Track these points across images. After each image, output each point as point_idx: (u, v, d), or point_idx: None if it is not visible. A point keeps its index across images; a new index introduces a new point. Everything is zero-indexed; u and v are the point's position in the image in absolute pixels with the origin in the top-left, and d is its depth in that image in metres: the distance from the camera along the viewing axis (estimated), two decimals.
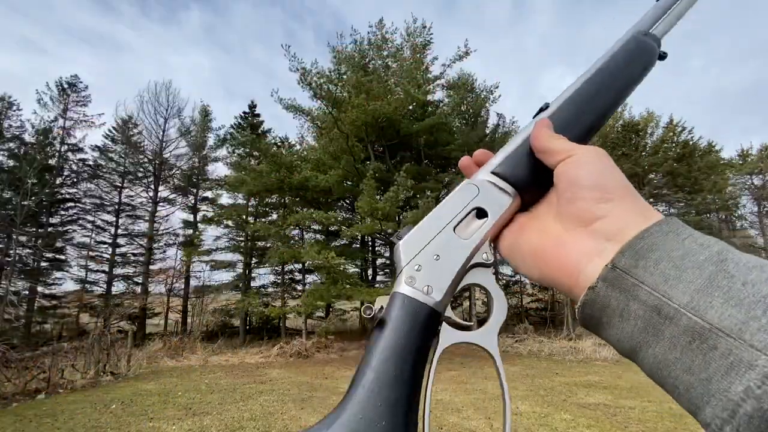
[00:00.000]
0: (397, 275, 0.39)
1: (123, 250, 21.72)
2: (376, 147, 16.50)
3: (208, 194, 23.36)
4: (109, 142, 21.87)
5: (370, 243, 18.99)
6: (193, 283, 22.09)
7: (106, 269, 20.74)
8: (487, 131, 18.75)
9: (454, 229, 0.41)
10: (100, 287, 20.75)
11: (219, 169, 33.05)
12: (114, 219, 21.48)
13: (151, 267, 20.86)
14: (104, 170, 21.55)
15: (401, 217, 13.51)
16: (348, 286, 13.16)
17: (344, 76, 15.04)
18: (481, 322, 0.38)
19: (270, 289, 21.85)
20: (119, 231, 21.53)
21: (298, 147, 20.69)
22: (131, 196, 22.19)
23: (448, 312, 0.39)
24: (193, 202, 22.80)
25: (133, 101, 36.69)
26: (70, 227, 20.90)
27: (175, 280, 21.34)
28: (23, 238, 18.50)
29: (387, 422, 0.31)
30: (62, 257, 20.28)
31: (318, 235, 19.54)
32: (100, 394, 7.69)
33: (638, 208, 0.32)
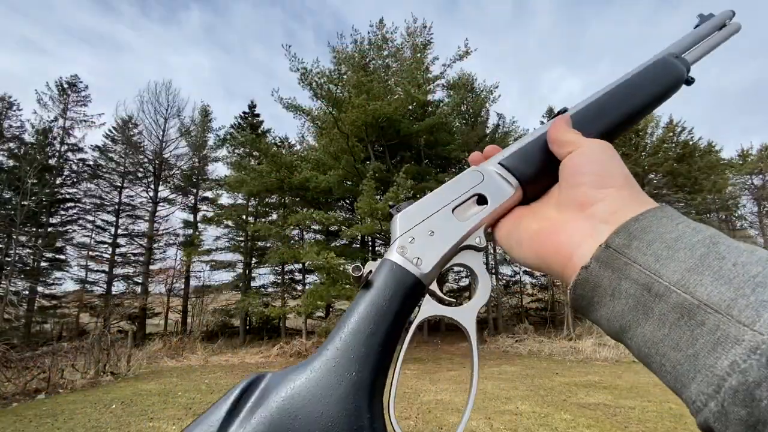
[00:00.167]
0: (390, 244, 0.41)
1: (123, 250, 21.75)
2: (376, 147, 16.51)
3: (208, 194, 23.37)
4: (109, 142, 21.90)
5: (370, 243, 19.00)
6: (193, 283, 22.11)
7: (106, 269, 20.74)
8: (487, 131, 18.77)
9: (452, 210, 0.42)
10: (100, 287, 20.77)
11: (219, 169, 33.11)
12: (114, 219, 21.48)
13: (151, 267, 20.87)
14: (104, 170, 21.56)
15: None
16: (348, 286, 13.16)
17: (344, 76, 15.05)
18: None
19: (270, 289, 21.85)
20: (119, 231, 21.54)
21: (298, 147, 20.73)
22: (131, 196, 22.21)
23: (434, 287, 0.40)
24: (193, 202, 22.80)
25: (133, 101, 36.80)
26: (70, 227, 20.92)
27: (175, 280, 21.35)
28: (23, 238, 18.51)
29: (356, 373, 0.33)
30: (62, 257, 20.30)
31: (318, 235, 19.54)
32: (100, 394, 7.69)
33: (635, 196, 0.33)
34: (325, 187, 14.95)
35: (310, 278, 20.56)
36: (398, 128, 15.29)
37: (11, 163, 18.94)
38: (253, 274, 21.99)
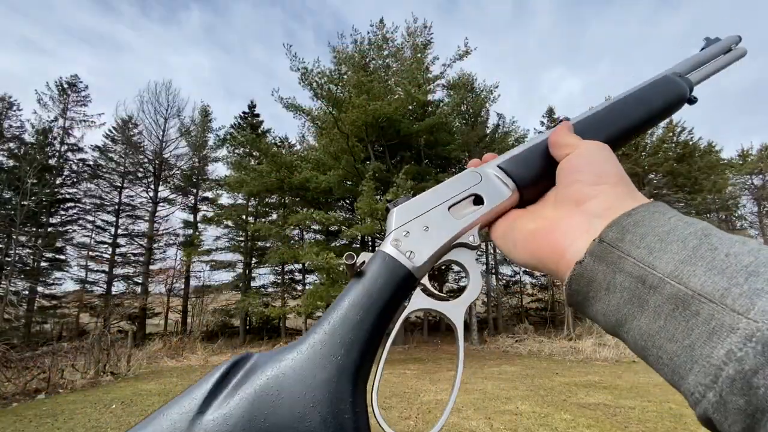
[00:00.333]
0: (385, 237, 0.41)
1: (123, 250, 21.75)
2: (376, 147, 16.50)
3: (208, 194, 23.38)
4: (109, 142, 21.90)
5: (370, 243, 19.01)
6: (193, 283, 22.11)
7: (106, 269, 20.74)
8: (487, 131, 18.76)
9: (449, 208, 0.43)
10: (100, 287, 20.77)
11: (219, 169, 33.10)
12: (114, 219, 21.49)
13: (151, 267, 20.87)
14: (104, 170, 21.57)
15: None
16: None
17: (345, 76, 15.05)
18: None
19: (270, 289, 21.86)
20: (119, 231, 21.55)
21: (298, 147, 20.73)
22: (131, 196, 22.22)
23: (425, 281, 0.40)
24: (193, 202, 22.81)
25: (133, 101, 36.82)
26: (70, 227, 20.92)
27: (175, 280, 21.35)
28: (23, 238, 18.51)
29: (342, 358, 0.34)
30: (62, 257, 20.30)
31: (318, 236, 19.54)
32: (100, 394, 7.69)
33: (629, 193, 0.34)
34: (325, 187, 14.95)
35: (310, 278, 20.58)
36: (398, 128, 15.29)
37: (11, 163, 18.94)
38: (253, 274, 22.00)
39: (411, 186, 12.89)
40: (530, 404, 6.24)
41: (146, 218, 21.91)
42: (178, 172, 22.59)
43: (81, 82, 21.52)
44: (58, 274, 20.12)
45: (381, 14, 50.65)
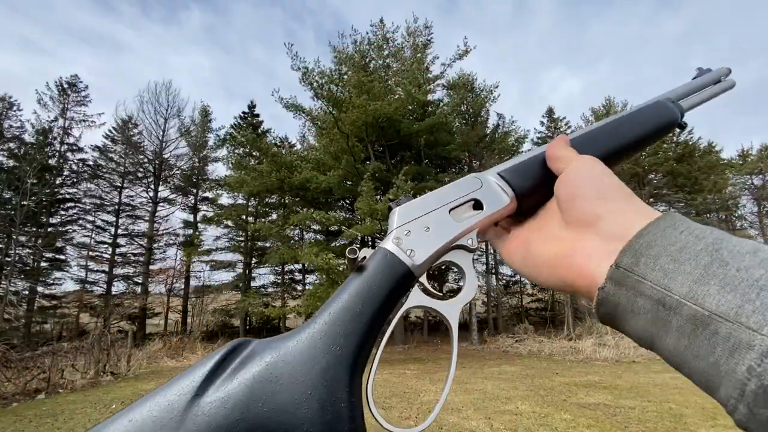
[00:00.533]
0: (387, 235, 0.43)
1: (123, 250, 21.75)
2: (376, 147, 16.50)
3: (208, 194, 23.38)
4: (109, 142, 21.90)
5: (370, 243, 19.02)
6: (193, 283, 22.11)
7: (106, 269, 20.75)
8: (487, 131, 18.76)
9: (449, 211, 0.44)
10: (100, 287, 20.77)
11: (219, 169, 33.11)
12: (114, 219, 21.49)
13: (151, 267, 20.87)
14: (104, 170, 21.57)
15: None
16: None
17: (345, 76, 15.05)
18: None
19: (270, 289, 21.87)
20: (119, 231, 21.55)
21: (298, 147, 20.73)
22: (131, 196, 22.22)
23: (423, 279, 0.42)
24: (193, 202, 22.81)
25: (133, 101, 36.81)
26: (70, 227, 20.92)
27: (175, 280, 21.35)
28: (23, 238, 18.51)
29: (340, 348, 0.35)
30: (62, 257, 20.30)
31: (318, 236, 19.54)
32: (100, 394, 7.69)
33: (634, 206, 0.35)
34: (325, 188, 14.95)
35: (310, 278, 20.59)
36: (398, 128, 15.29)
37: (11, 163, 18.95)
38: (253, 274, 22.01)
39: (411, 187, 12.89)
40: (530, 404, 6.24)
41: (146, 218, 21.91)
42: (178, 172, 22.59)
43: (81, 82, 21.54)
44: (58, 274, 20.15)
45: (381, 14, 50.64)
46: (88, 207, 21.30)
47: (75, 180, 21.07)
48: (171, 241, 22.37)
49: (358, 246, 0.41)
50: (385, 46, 16.38)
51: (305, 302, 13.79)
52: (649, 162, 19.43)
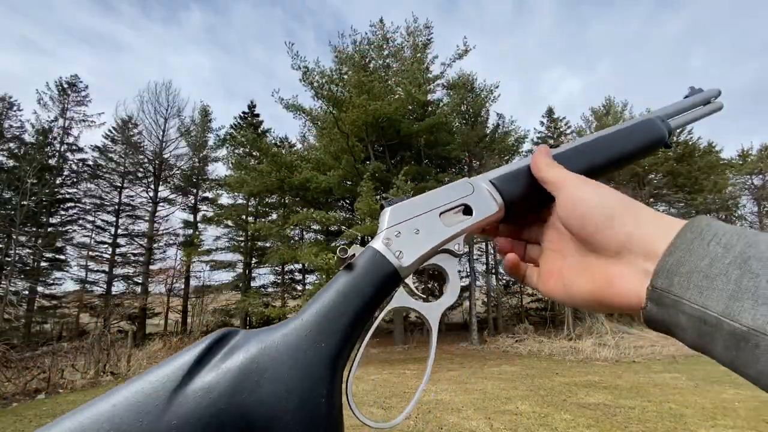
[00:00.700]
0: (377, 234, 0.43)
1: (123, 250, 21.76)
2: (376, 147, 16.50)
3: (208, 194, 23.38)
4: (109, 142, 21.90)
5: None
6: (193, 283, 22.12)
7: (106, 269, 20.75)
8: (487, 131, 18.75)
9: (440, 215, 0.45)
10: (100, 287, 20.78)
11: (219, 169, 33.12)
12: (114, 219, 21.49)
13: (151, 267, 20.88)
14: (104, 170, 21.57)
15: None
16: None
17: (345, 76, 15.05)
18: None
19: (270, 289, 21.87)
20: (119, 231, 21.55)
21: (298, 146, 20.74)
22: (131, 196, 22.22)
23: (409, 281, 0.43)
24: (193, 202, 22.81)
25: (133, 101, 36.81)
26: (70, 227, 20.92)
27: (175, 280, 21.35)
28: (23, 238, 18.51)
29: (325, 344, 0.36)
30: (62, 257, 20.30)
31: (318, 236, 19.54)
32: (100, 394, 7.69)
33: (646, 217, 0.35)
34: (325, 187, 14.95)
35: (310, 278, 20.59)
36: (398, 128, 15.29)
37: (11, 163, 18.95)
38: (253, 274, 22.01)
39: (411, 187, 12.89)
40: (530, 404, 6.24)
41: (146, 218, 21.91)
42: (178, 172, 22.60)
43: (81, 82, 21.55)
44: (58, 274, 20.15)
45: (381, 14, 50.69)
46: (88, 207, 21.31)
47: (75, 180, 21.08)
48: (171, 241, 22.40)
49: (347, 244, 0.41)
50: (384, 46, 16.38)
51: (305, 302, 13.74)
52: (649, 162, 19.42)
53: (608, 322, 13.96)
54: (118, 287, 21.02)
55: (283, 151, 17.76)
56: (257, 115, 23.27)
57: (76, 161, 21.10)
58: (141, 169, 22.07)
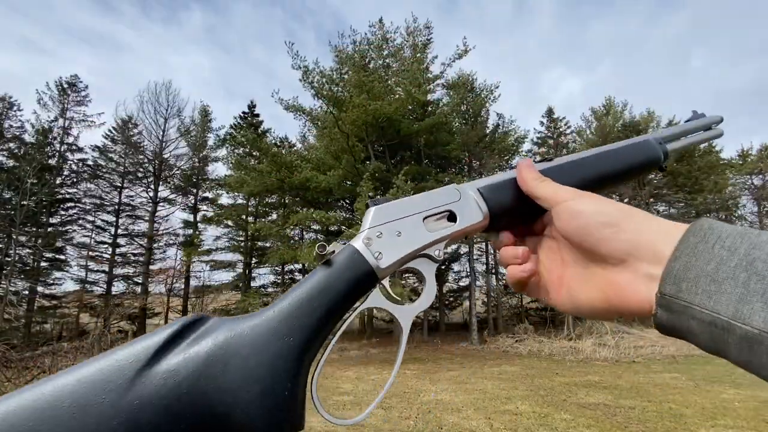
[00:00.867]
0: (359, 232, 0.43)
1: (123, 250, 21.75)
2: (376, 147, 16.50)
3: (208, 194, 23.37)
4: (109, 142, 21.89)
5: None
6: (193, 283, 22.11)
7: (106, 269, 20.74)
8: (487, 131, 18.74)
9: (423, 219, 0.45)
10: (100, 287, 20.77)
11: (219, 169, 33.07)
12: (114, 219, 21.48)
13: (151, 267, 20.87)
14: (104, 170, 21.56)
15: None
16: None
17: (345, 76, 15.05)
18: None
19: (270, 289, 21.85)
20: (119, 231, 21.54)
21: (299, 146, 20.73)
22: (131, 196, 22.21)
23: (386, 282, 0.43)
24: (193, 202, 22.80)
25: (133, 101, 36.72)
26: (70, 227, 20.92)
27: (175, 280, 21.35)
28: (23, 238, 18.51)
29: (293, 339, 0.36)
30: (62, 257, 20.29)
31: (318, 235, 19.54)
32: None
33: (649, 222, 0.35)
34: (325, 187, 14.94)
35: None
36: (398, 128, 15.29)
37: (11, 163, 18.94)
38: (253, 274, 22.00)
39: (411, 187, 12.88)
40: (530, 404, 6.24)
41: (146, 218, 21.90)
42: (178, 172, 22.59)
43: (81, 82, 21.52)
44: (58, 274, 20.14)
45: (381, 14, 50.65)
46: (88, 207, 21.30)
47: (75, 180, 21.07)
48: (171, 241, 22.39)
49: (325, 239, 0.41)
50: (384, 46, 16.38)
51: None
52: None
53: (608, 322, 13.96)
54: (118, 287, 21.04)
55: (283, 151, 17.76)
56: (257, 115, 23.27)
57: (76, 161, 21.10)
58: (141, 169, 22.06)
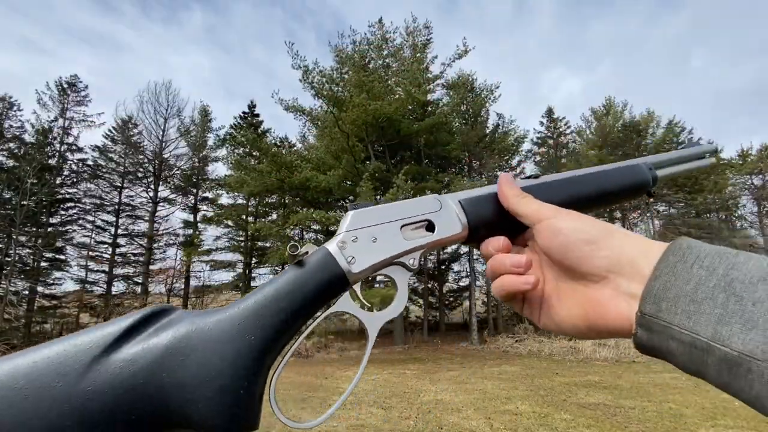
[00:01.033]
0: (334, 236, 0.43)
1: (123, 250, 21.75)
2: (376, 147, 16.51)
3: (208, 194, 23.37)
4: (109, 142, 21.89)
5: None
6: (193, 283, 22.12)
7: (106, 269, 20.74)
8: (487, 131, 18.75)
9: (401, 227, 0.44)
10: (100, 287, 20.78)
11: (219, 169, 33.07)
12: (114, 219, 21.49)
13: (151, 267, 20.88)
14: (104, 170, 21.56)
15: None
16: None
17: (345, 76, 15.05)
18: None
19: None
20: (119, 231, 21.54)
21: (299, 146, 20.73)
22: (131, 196, 22.21)
23: (357, 287, 0.42)
24: (193, 202, 22.80)
25: (133, 101, 36.72)
26: (70, 227, 20.91)
27: (175, 280, 21.36)
28: (23, 238, 18.50)
29: (255, 338, 0.35)
30: (62, 257, 20.28)
31: (318, 235, 19.54)
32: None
33: (630, 240, 0.35)
34: (325, 187, 14.95)
35: None
36: (398, 128, 15.29)
37: (11, 163, 18.94)
38: (253, 274, 22.00)
39: (411, 187, 12.89)
40: (530, 404, 6.24)
41: (146, 218, 21.91)
42: (178, 172, 22.59)
43: (81, 82, 21.52)
44: (58, 274, 20.13)
45: (381, 14, 50.67)
46: (88, 207, 21.30)
47: (75, 180, 21.06)
48: (171, 241, 22.39)
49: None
50: (384, 46, 16.38)
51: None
52: None
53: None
54: (118, 287, 21.05)
55: (283, 151, 17.76)
56: (257, 115, 23.27)
57: (76, 161, 21.10)
58: (141, 169, 22.06)
